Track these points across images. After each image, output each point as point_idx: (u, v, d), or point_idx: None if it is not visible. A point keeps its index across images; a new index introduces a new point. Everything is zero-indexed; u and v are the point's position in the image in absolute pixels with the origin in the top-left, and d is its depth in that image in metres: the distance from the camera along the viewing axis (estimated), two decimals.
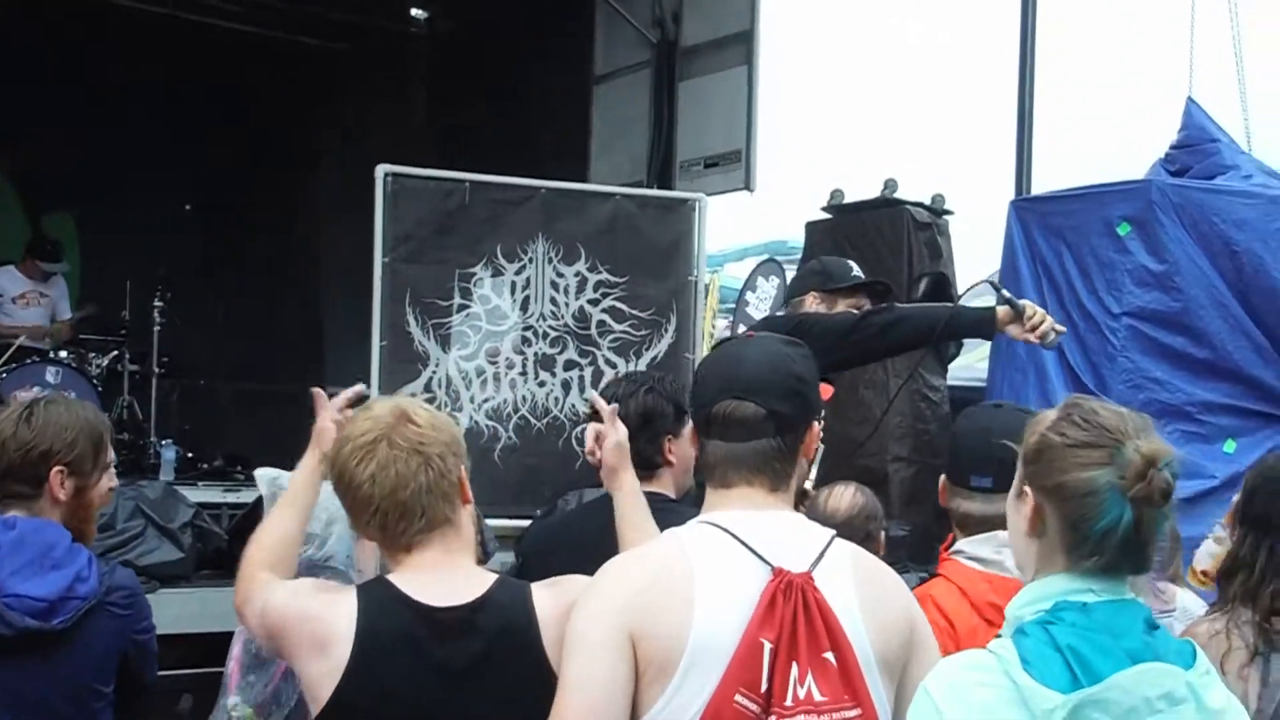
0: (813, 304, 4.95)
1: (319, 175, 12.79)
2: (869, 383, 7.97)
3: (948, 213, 8.39)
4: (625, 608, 2.30)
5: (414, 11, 13.54)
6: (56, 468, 3.18)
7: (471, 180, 8.07)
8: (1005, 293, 4.51)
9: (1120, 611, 2.15)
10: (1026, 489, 2.26)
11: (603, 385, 4.07)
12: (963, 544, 3.01)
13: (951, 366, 8.39)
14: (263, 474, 3.58)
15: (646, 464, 3.49)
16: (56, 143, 11.78)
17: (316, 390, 3.18)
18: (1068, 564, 2.19)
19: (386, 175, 7.82)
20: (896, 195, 8.24)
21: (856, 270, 5.10)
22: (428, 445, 2.57)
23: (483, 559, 6.45)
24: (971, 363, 9.15)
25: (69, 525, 3.22)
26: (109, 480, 3.36)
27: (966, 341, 8.52)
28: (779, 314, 5.71)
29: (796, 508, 4.15)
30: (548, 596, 2.62)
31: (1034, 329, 4.46)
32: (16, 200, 12.28)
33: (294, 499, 3.00)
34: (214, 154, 12.19)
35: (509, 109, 11.82)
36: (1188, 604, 4.14)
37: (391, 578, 2.61)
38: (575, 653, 2.32)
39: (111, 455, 3.39)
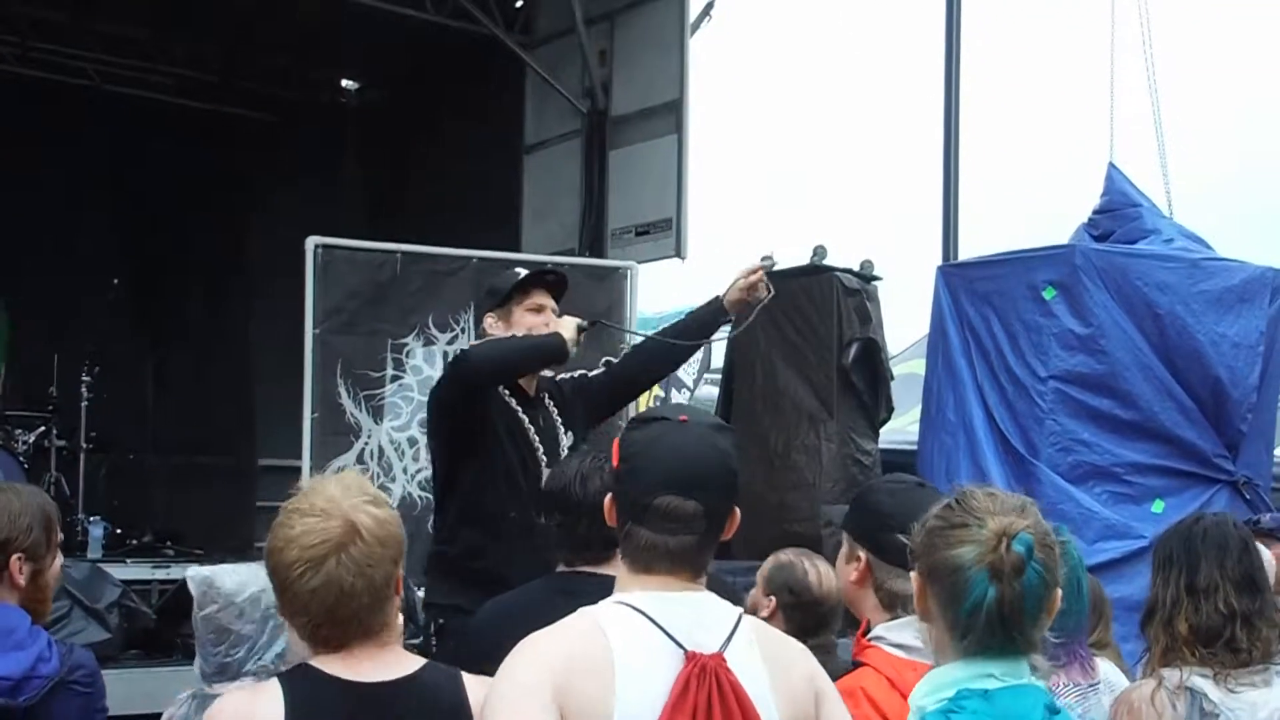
0: (491, 325, 4.73)
1: (249, 247, 12.72)
2: (801, 447, 8.01)
3: (876, 278, 8.45)
4: (550, 679, 2.28)
5: (344, 82, 13.60)
6: (15, 555, 3.21)
7: (403, 251, 8.09)
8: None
9: (1020, 697, 2.17)
10: (914, 573, 2.33)
11: (556, 466, 3.98)
12: (880, 630, 2.94)
13: (884, 430, 8.43)
14: (194, 574, 3.53)
15: (610, 543, 3.45)
16: None
17: None
18: (954, 646, 2.23)
19: (316, 246, 7.82)
20: (825, 262, 8.30)
21: (518, 271, 4.84)
22: (374, 565, 2.52)
23: (414, 632, 6.38)
24: (903, 425, 9.21)
25: (25, 607, 3.25)
26: (59, 560, 3.39)
27: (899, 405, 8.59)
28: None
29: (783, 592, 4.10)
30: (479, 686, 2.60)
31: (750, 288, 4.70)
32: None
33: None
34: (142, 227, 12.14)
35: (440, 179, 11.86)
36: (1109, 675, 4.17)
37: (314, 663, 2.57)
38: (500, 715, 2.28)
39: (60, 535, 3.42)
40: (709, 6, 10.68)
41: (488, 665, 2.64)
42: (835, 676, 2.68)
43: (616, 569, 3.46)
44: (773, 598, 4.17)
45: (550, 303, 4.77)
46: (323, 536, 2.50)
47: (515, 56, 11.00)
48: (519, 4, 11.30)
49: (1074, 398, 6.99)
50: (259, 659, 3.40)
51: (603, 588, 3.15)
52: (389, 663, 2.58)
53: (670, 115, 10.12)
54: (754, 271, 4.89)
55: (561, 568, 3.59)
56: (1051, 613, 2.26)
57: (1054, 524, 3.67)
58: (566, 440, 4.75)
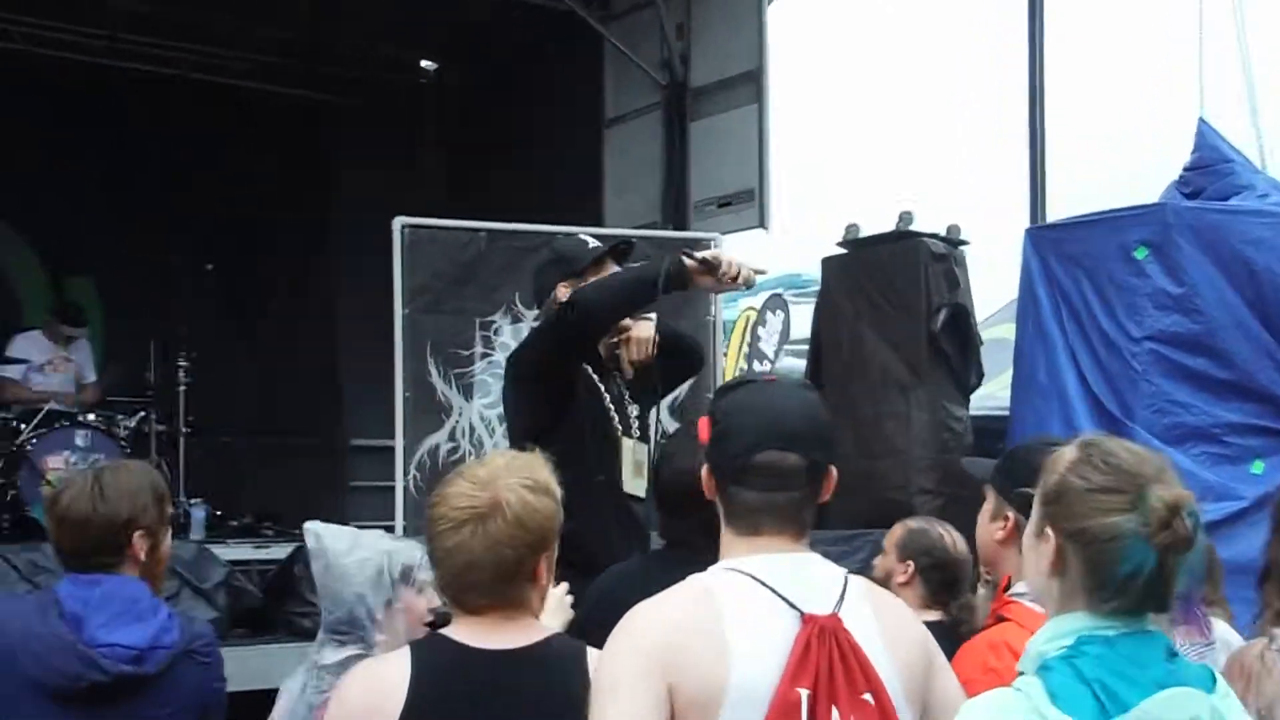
0: (565, 294, 4.52)
1: (335, 229, 12.85)
2: (891, 415, 7.97)
3: (963, 243, 8.38)
4: (658, 652, 2.28)
5: (423, 63, 13.66)
6: (138, 533, 3.30)
7: (487, 229, 8.14)
8: (696, 255, 4.38)
9: (1143, 643, 2.16)
10: (1048, 530, 2.26)
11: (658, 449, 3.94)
12: (1021, 586, 2.96)
13: (974, 396, 8.36)
14: (310, 526, 3.61)
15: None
16: (75, 208, 11.92)
17: None
18: (1089, 604, 2.19)
19: (403, 227, 7.89)
20: (911, 228, 8.24)
21: (593, 242, 4.71)
22: (506, 544, 2.60)
23: None
24: (994, 391, 9.13)
25: (145, 580, 3.36)
26: (169, 533, 3.48)
27: (987, 371, 8.52)
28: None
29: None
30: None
31: (732, 278, 4.36)
32: (38, 266, 12.35)
33: None
34: (231, 212, 12.27)
35: (522, 156, 11.89)
36: (1225, 635, 4.14)
37: (446, 631, 2.67)
38: (608, 698, 2.28)
39: (171, 510, 3.51)
40: None
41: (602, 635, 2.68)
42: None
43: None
44: (910, 563, 4.26)
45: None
46: (469, 503, 2.61)
47: (593, 31, 10.98)
48: None
49: (1169, 358, 6.90)
50: (363, 630, 3.45)
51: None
52: (517, 632, 2.65)
53: (750, 85, 10.07)
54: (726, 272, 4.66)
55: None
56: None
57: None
58: (633, 410, 4.73)
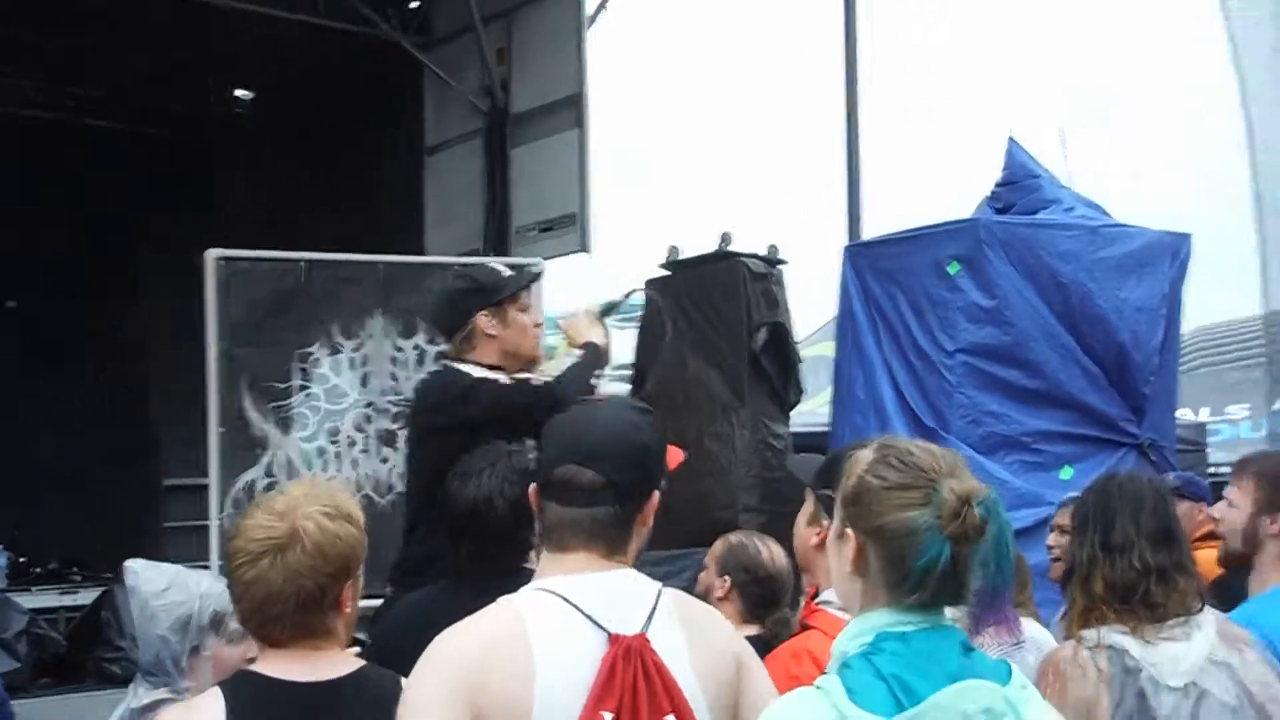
0: (486, 323, 4.45)
1: (146, 267, 12.52)
2: (715, 435, 7.99)
3: (782, 262, 8.45)
4: (464, 676, 2.26)
5: (238, 93, 13.41)
6: None
7: (308, 259, 7.97)
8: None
9: (938, 638, 2.22)
10: (848, 530, 2.30)
11: (458, 467, 3.83)
12: (828, 594, 3.01)
13: (794, 414, 8.44)
14: (131, 563, 3.48)
15: (524, 550, 3.38)
16: None
17: None
18: (889, 600, 2.24)
19: (218, 259, 7.68)
20: (731, 248, 8.29)
21: (503, 268, 4.66)
22: (305, 574, 2.55)
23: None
24: (814, 408, 9.25)
25: None
26: None
27: (808, 388, 8.60)
28: (434, 369, 5.21)
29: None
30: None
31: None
32: None
33: None
34: (36, 249, 11.90)
35: (342, 185, 11.74)
36: (1035, 635, 4.21)
37: (254, 667, 2.62)
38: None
39: None
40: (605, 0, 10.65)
41: (403, 665, 2.61)
42: None
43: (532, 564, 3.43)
44: (727, 578, 4.24)
45: (531, 300, 4.69)
46: (266, 534, 2.56)
47: (413, 58, 10.92)
48: (414, 5, 11.20)
49: (981, 369, 7.02)
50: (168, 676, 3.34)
51: (519, 580, 3.09)
52: (327, 664, 2.61)
53: (571, 110, 10.09)
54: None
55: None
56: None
57: (988, 480, 3.72)
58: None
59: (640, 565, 2.52)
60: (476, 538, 3.43)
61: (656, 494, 2.50)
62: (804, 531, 3.17)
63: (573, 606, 2.33)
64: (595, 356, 4.64)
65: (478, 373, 4.41)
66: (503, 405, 4.25)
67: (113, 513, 10.98)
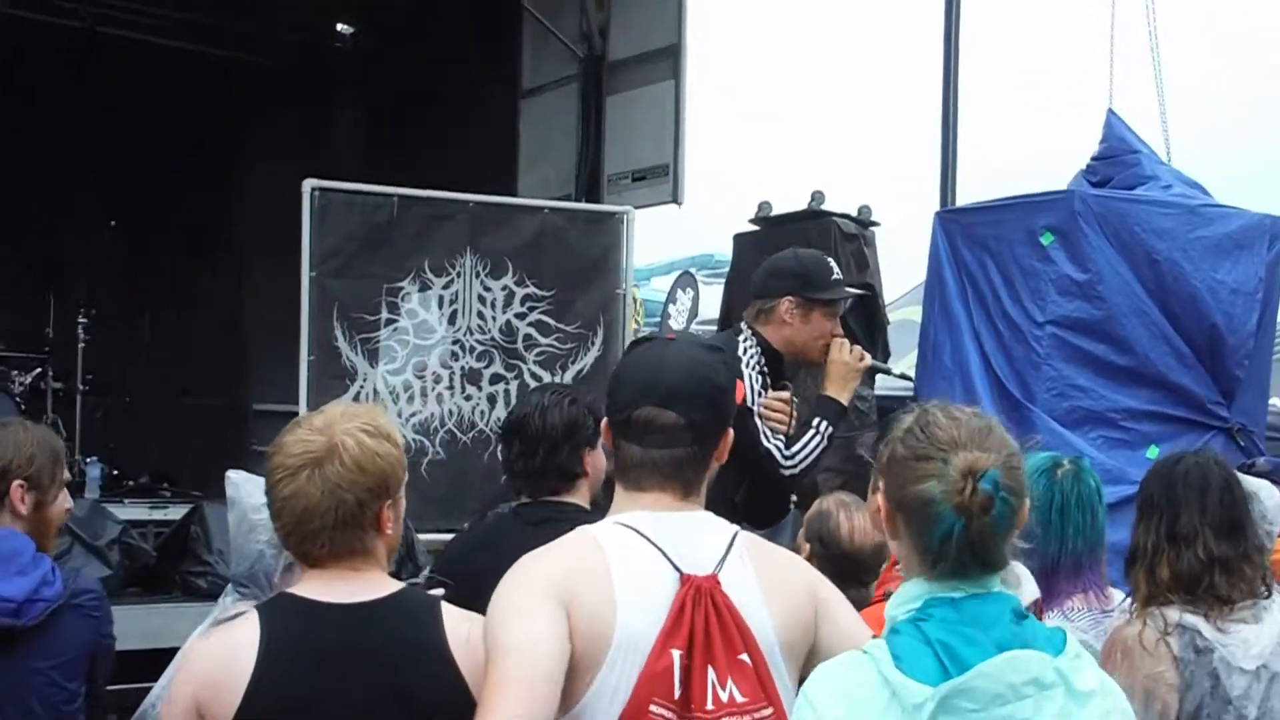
0: (787, 310, 4.55)
1: (245, 190, 12.67)
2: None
3: (874, 224, 8.44)
4: (557, 583, 2.30)
5: (339, 26, 13.49)
6: (16, 482, 3.30)
7: (399, 194, 8.06)
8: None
9: (987, 604, 2.21)
10: (880, 498, 2.33)
11: (521, 399, 3.99)
12: None
13: (878, 377, 8.43)
14: (232, 474, 3.56)
15: (567, 475, 3.51)
16: None
17: None
18: (922, 568, 2.25)
19: (313, 190, 7.79)
20: (823, 207, 8.28)
21: (837, 272, 4.68)
22: (344, 488, 2.56)
23: (414, 572, 6.39)
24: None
25: (31, 537, 3.35)
26: (65, 499, 3.48)
27: (895, 352, 8.59)
28: (719, 333, 5.30)
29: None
30: (460, 617, 2.62)
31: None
32: None
33: None
34: (138, 170, 12.07)
35: (437, 123, 11.79)
36: (1126, 604, 4.22)
37: (292, 589, 2.64)
38: (510, 618, 2.27)
39: (67, 474, 3.46)
40: None
41: (462, 600, 2.67)
42: None
43: (577, 498, 3.54)
44: (807, 545, 4.20)
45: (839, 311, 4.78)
46: (304, 449, 2.57)
47: (512, 1, 10.91)
48: None
49: (1070, 343, 6.98)
50: (260, 589, 3.42)
51: (568, 513, 3.20)
52: (363, 585, 2.62)
53: (667, 60, 10.05)
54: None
55: (524, 499, 3.64)
56: (1020, 525, 2.27)
57: (1072, 454, 3.72)
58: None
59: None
60: (524, 443, 3.57)
61: (731, 431, 2.54)
62: (871, 497, 3.20)
63: (650, 543, 2.37)
64: (835, 419, 4.66)
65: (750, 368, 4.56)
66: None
67: (203, 432, 11.17)
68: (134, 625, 6.14)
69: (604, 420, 2.57)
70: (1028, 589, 3.15)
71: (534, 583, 2.31)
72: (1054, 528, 3.78)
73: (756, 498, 4.58)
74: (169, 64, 12.53)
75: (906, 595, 2.25)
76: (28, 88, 11.79)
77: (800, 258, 4.78)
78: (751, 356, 4.61)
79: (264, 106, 12.85)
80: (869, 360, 4.70)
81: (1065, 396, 6.91)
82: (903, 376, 5.08)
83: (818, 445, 4.62)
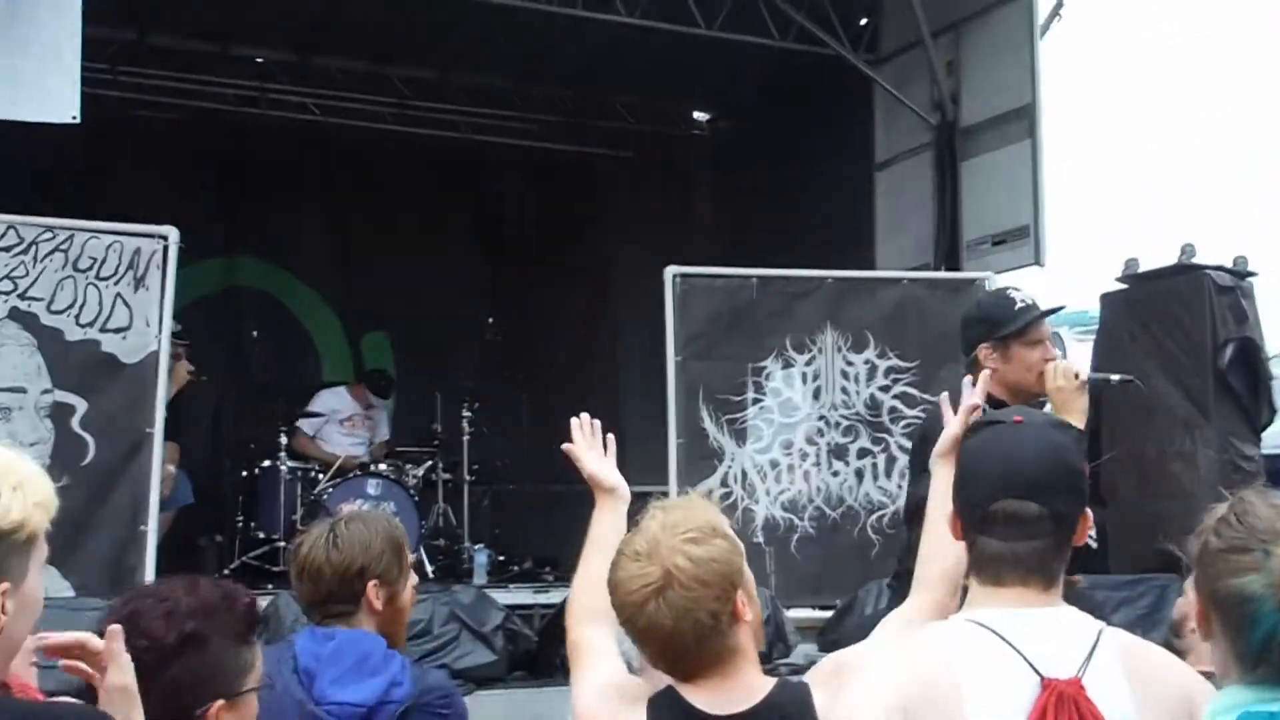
0: (987, 356, 4.37)
1: (611, 280, 13.15)
2: (1177, 454, 7.70)
3: (1251, 274, 8.04)
4: (901, 706, 2.25)
5: (695, 115, 13.88)
6: (371, 581, 3.31)
7: (758, 275, 8.21)
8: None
9: None
10: (1192, 592, 2.20)
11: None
12: None
13: (1267, 435, 8.00)
14: None
15: None
16: (368, 267, 12.49)
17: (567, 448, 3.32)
18: (1239, 673, 2.10)
19: (675, 276, 8.03)
20: (1195, 260, 7.96)
21: (1021, 299, 4.50)
22: (696, 605, 2.52)
23: (785, 653, 6.45)
24: None
25: (383, 633, 3.36)
26: (412, 582, 3.49)
27: None
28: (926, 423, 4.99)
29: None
30: (826, 694, 2.61)
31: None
32: (337, 323, 12.97)
33: (601, 547, 3.00)
34: (511, 266, 12.73)
35: (794, 202, 11.94)
36: None
37: (678, 689, 2.62)
38: None
39: (411, 558, 3.54)
40: (1058, 6, 10.41)
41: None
42: None
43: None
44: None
45: (1049, 331, 4.57)
46: (642, 582, 2.53)
47: (862, 75, 10.97)
48: (863, 22, 11.28)
49: None
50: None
51: None
52: (738, 691, 2.59)
53: (1022, 120, 9.90)
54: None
55: None
56: None
57: None
58: None
59: (1094, 588, 2.44)
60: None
61: (1089, 513, 2.43)
62: (1186, 593, 2.97)
63: (1007, 644, 2.26)
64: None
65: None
66: None
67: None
68: (519, 710, 6.42)
69: (950, 510, 2.49)
70: None
71: (879, 702, 2.27)
72: None
73: None
74: (536, 163, 13.18)
75: (1220, 706, 2.10)
76: (410, 193, 12.58)
77: (979, 303, 4.74)
78: None
79: (625, 198, 13.33)
80: (1084, 375, 4.42)
81: None
82: (1124, 381, 4.75)
83: None
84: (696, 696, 2.58)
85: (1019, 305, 4.47)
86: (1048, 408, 4.35)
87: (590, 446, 3.31)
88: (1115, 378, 5.01)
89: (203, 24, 11.37)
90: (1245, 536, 2.09)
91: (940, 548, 2.78)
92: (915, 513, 4.35)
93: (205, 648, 2.40)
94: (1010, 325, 4.41)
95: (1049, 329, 4.50)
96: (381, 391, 10.74)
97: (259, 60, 12.20)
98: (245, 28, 11.59)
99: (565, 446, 3.34)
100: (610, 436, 3.36)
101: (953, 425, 2.92)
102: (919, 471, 4.22)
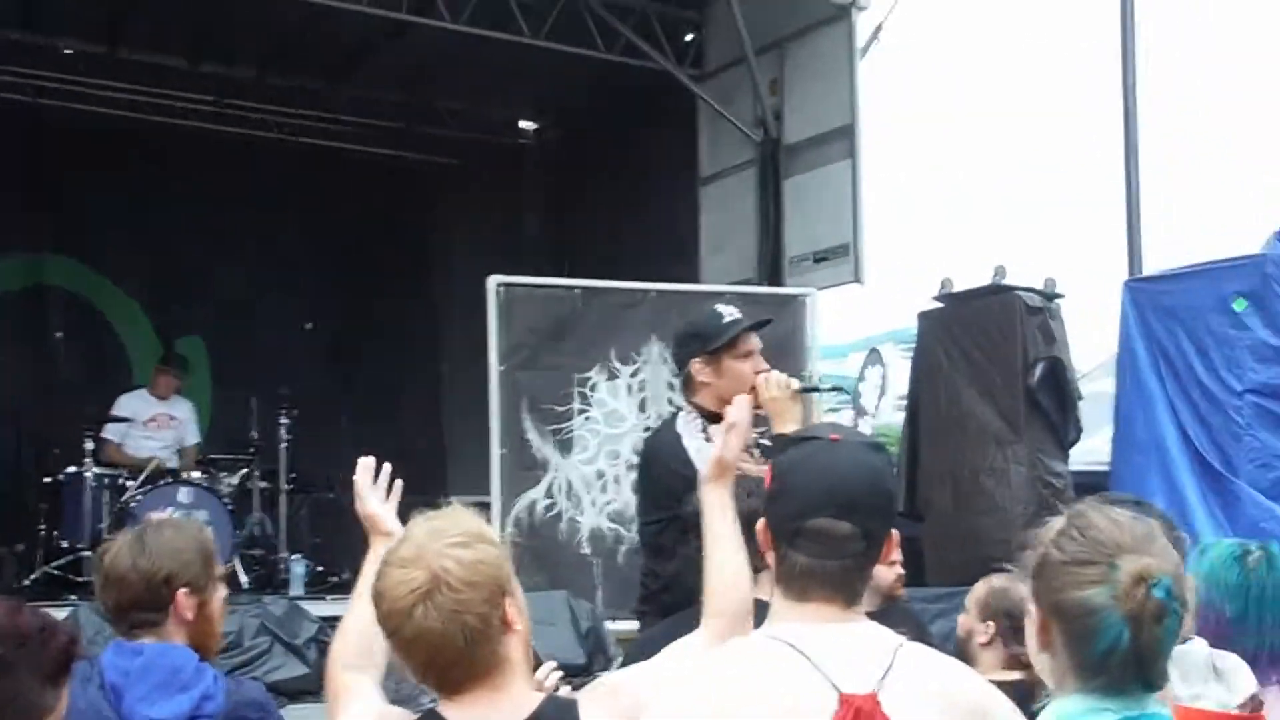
0: (699, 371, 4.44)
1: (434, 289, 13.06)
2: (989, 470, 7.91)
3: (1059, 296, 8.32)
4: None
5: (522, 124, 13.87)
6: (181, 589, 3.19)
7: (583, 286, 8.22)
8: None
9: None
10: (1032, 606, 2.23)
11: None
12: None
13: (1075, 451, 8.27)
14: None
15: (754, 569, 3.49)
16: (184, 269, 12.16)
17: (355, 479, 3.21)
18: (1078, 683, 2.14)
19: (499, 285, 8.00)
20: (1006, 281, 8.21)
21: (729, 314, 4.52)
22: (464, 608, 2.45)
23: (605, 665, 6.45)
24: (1096, 446, 9.02)
25: (194, 644, 3.24)
26: (222, 592, 3.37)
27: (1089, 425, 8.41)
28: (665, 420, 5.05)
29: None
30: (599, 711, 2.59)
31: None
32: (149, 326, 12.58)
33: (368, 589, 2.97)
34: (332, 272, 12.52)
35: (618, 214, 12.00)
36: None
37: (439, 708, 2.54)
38: None
39: (223, 568, 3.43)
40: (877, 30, 10.64)
41: None
42: None
43: (760, 593, 3.48)
44: (991, 623, 4.10)
45: (758, 344, 4.55)
46: (409, 587, 2.46)
47: (688, 90, 11.09)
48: (689, 38, 11.40)
49: (1272, 411, 6.79)
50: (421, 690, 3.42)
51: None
52: (505, 706, 2.53)
53: (843, 140, 10.10)
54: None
55: None
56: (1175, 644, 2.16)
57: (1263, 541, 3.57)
58: None
59: (912, 602, 2.46)
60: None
61: (895, 533, 2.44)
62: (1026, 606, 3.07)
63: (807, 659, 2.26)
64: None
65: (693, 448, 4.38)
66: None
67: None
68: None
69: (760, 521, 2.47)
70: (1241, 684, 3.04)
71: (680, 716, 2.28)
72: (1250, 619, 3.60)
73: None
74: (356, 169, 12.99)
75: (1056, 714, 2.14)
76: (224, 195, 12.21)
77: (689, 320, 4.70)
78: (696, 428, 4.52)
79: (450, 206, 13.25)
80: (796, 383, 4.54)
81: (1270, 467, 6.71)
82: (834, 389, 4.91)
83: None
84: (460, 714, 2.51)
85: (726, 320, 4.49)
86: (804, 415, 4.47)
87: (374, 489, 3.21)
88: (825, 386, 5.11)
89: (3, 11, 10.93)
90: (1089, 550, 2.13)
91: (733, 577, 2.80)
92: (661, 546, 4.44)
93: (6, 675, 2.28)
94: (719, 339, 4.44)
95: (758, 342, 4.53)
96: (178, 365, 10.41)
97: (67, 52, 11.82)
98: (49, 17, 11.19)
99: (355, 478, 3.24)
100: (399, 482, 3.25)
101: (719, 448, 2.93)
102: (662, 497, 4.28)
